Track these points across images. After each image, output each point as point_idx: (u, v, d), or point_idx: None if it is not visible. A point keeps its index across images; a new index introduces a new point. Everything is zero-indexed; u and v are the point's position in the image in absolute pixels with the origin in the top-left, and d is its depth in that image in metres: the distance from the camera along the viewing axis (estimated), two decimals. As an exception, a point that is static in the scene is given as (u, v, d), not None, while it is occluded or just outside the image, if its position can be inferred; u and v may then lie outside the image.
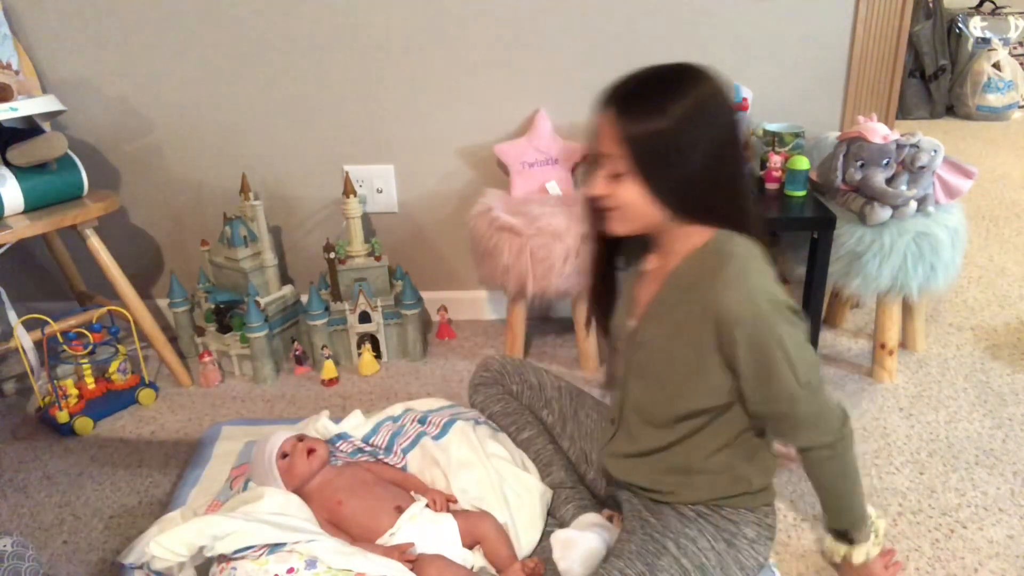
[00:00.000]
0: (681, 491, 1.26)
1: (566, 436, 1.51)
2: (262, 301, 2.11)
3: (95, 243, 1.96)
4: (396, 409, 1.65)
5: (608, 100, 1.12)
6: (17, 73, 2.03)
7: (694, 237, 1.16)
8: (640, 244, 1.26)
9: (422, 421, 1.59)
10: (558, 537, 1.27)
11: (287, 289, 2.23)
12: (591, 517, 1.38)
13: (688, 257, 1.17)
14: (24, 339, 1.90)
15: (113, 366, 2.04)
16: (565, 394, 1.54)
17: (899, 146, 1.80)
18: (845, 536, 1.29)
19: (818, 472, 1.22)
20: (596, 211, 1.19)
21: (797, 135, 2.01)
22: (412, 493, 1.45)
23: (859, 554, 1.29)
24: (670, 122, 1.07)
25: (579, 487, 1.47)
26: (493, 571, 1.34)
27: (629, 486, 1.32)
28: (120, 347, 2.06)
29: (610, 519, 1.42)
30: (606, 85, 1.13)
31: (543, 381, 1.56)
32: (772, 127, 2.04)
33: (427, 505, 1.39)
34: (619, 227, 1.18)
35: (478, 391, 1.60)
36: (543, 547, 1.38)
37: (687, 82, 1.10)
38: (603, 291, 1.34)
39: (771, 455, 1.29)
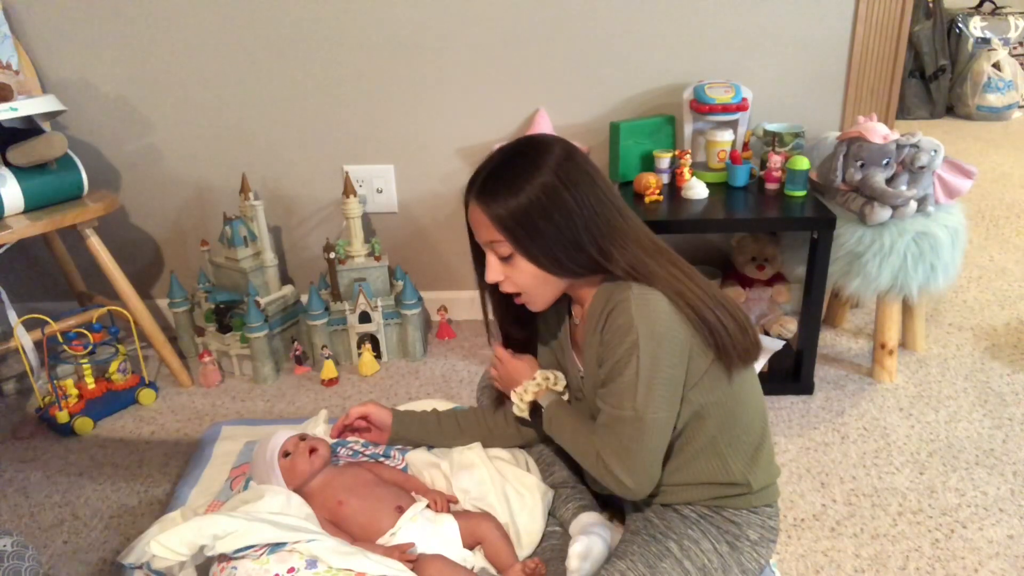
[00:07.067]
0: (675, 494, 1.27)
1: None
2: (262, 301, 2.10)
3: (95, 243, 1.96)
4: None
5: (471, 192, 1.20)
6: (17, 73, 2.03)
7: (595, 282, 1.24)
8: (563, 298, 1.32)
9: (423, 421, 1.59)
10: (575, 550, 1.27)
11: (287, 289, 2.23)
12: (590, 516, 1.38)
13: (594, 299, 1.23)
14: (24, 339, 1.90)
15: (113, 366, 2.04)
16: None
17: (899, 146, 1.80)
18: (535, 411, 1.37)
19: (577, 435, 1.27)
20: (507, 304, 1.29)
21: (797, 135, 2.02)
22: (413, 494, 1.44)
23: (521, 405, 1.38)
24: (531, 194, 1.14)
25: (580, 487, 1.47)
26: (494, 572, 1.34)
27: None
28: (120, 347, 2.06)
29: (611, 519, 1.41)
30: (469, 180, 1.20)
31: None
32: (772, 127, 2.04)
33: (428, 506, 1.39)
34: (535, 305, 1.26)
35: (485, 392, 1.61)
36: (544, 547, 1.38)
37: (536, 155, 1.17)
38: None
39: (769, 454, 1.29)
